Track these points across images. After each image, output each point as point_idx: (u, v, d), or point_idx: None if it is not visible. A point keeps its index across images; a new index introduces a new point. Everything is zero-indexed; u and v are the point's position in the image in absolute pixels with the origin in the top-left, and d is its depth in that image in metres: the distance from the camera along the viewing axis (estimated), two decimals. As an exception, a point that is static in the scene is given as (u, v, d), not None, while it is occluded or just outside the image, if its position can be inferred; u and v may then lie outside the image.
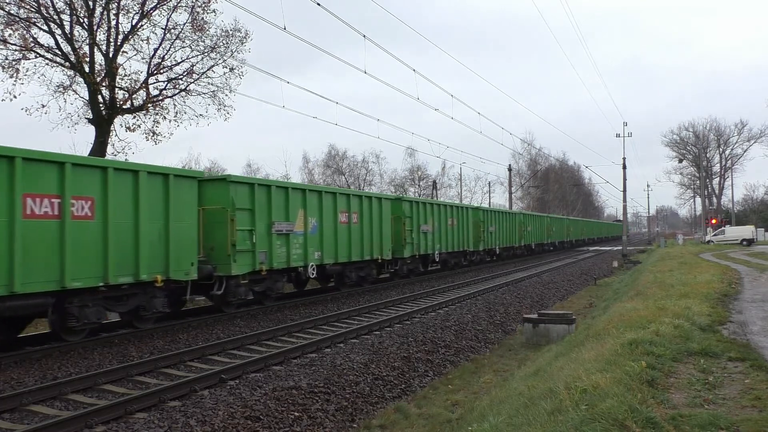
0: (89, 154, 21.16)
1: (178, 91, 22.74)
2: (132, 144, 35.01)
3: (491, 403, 7.81)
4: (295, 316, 16.02)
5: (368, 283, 22.54)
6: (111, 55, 21.16)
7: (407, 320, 15.59)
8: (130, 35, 21.54)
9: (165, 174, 13.32)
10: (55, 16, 20.35)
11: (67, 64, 20.76)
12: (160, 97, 22.52)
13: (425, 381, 11.17)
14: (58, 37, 20.53)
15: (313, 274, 18.39)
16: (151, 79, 22.23)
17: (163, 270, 13.09)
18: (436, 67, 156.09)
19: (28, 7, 19.97)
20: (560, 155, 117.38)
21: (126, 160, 20.17)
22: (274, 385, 9.09)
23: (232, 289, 15.38)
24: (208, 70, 22.79)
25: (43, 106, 21.19)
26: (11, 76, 20.36)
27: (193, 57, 22.58)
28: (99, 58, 21.23)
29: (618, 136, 53.70)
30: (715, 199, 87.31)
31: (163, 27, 21.95)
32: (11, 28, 19.96)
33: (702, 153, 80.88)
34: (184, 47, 22.46)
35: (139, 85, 21.87)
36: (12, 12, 19.86)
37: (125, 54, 21.77)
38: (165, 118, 22.91)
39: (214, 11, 22.24)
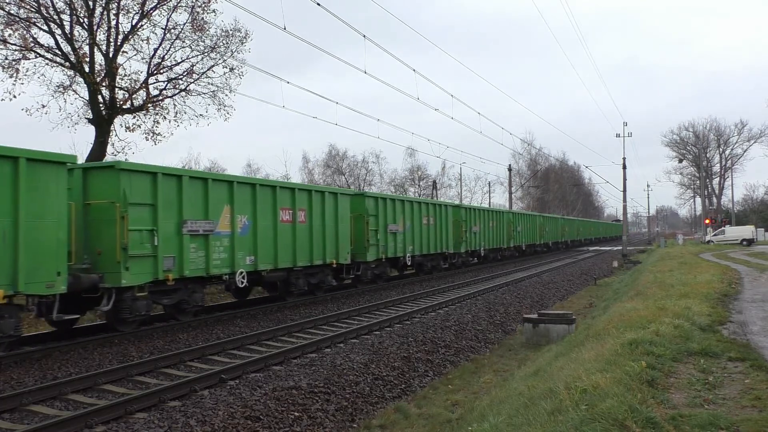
0: (89, 155, 21.21)
1: (178, 91, 22.74)
2: (132, 144, 34.89)
3: (491, 403, 7.82)
4: (295, 316, 16.03)
5: (323, 291, 19.74)
6: (111, 55, 21.15)
7: (407, 320, 15.60)
8: (130, 35, 21.54)
9: (11, 157, 10.12)
10: (55, 16, 20.34)
11: (67, 64, 20.76)
12: (160, 97, 22.52)
13: (425, 381, 11.17)
14: (58, 37, 20.53)
15: (243, 282, 15.38)
16: (151, 79, 22.24)
17: (8, 282, 10.01)
18: (436, 67, 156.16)
19: (28, 7, 19.96)
20: (560, 155, 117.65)
21: (126, 160, 20.01)
22: (274, 385, 9.09)
23: (127, 303, 12.52)
24: (208, 70, 22.81)
25: (44, 106, 21.20)
26: (11, 76, 20.37)
27: (193, 57, 22.58)
28: (99, 58, 21.25)
29: (618, 136, 53.82)
30: (715, 199, 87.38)
31: (163, 27, 21.96)
32: (11, 28, 19.96)
33: (702, 153, 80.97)
34: (184, 47, 22.47)
35: (139, 85, 21.87)
36: (12, 12, 19.86)
37: (125, 54, 21.79)
38: (165, 118, 22.93)
39: (214, 11, 22.24)
